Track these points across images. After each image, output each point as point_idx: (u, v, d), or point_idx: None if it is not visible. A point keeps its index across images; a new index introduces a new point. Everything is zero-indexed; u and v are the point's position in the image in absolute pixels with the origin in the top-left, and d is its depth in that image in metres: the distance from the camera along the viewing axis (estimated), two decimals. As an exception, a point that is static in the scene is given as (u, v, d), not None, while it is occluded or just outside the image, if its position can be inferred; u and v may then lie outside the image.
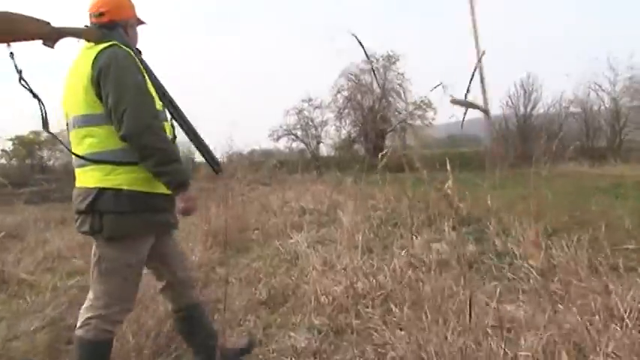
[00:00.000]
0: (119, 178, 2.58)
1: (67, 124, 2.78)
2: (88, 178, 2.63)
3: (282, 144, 36.64)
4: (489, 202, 4.67)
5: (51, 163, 29.07)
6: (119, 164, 2.59)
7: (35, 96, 2.60)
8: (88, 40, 2.72)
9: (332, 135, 35.58)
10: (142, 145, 2.53)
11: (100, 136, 2.60)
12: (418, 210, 6.64)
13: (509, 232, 5.34)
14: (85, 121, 2.63)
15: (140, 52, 2.86)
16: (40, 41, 2.58)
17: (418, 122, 34.08)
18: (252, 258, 6.15)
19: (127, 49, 2.70)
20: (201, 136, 3.02)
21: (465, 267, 4.10)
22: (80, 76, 2.62)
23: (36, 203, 15.60)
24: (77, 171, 2.72)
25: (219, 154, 29.50)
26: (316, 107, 35.65)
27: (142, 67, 2.72)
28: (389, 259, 4.72)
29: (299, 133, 36.05)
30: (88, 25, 2.78)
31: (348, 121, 35.15)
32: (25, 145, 28.22)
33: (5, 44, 2.47)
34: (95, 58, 2.58)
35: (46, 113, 2.66)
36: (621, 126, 31.31)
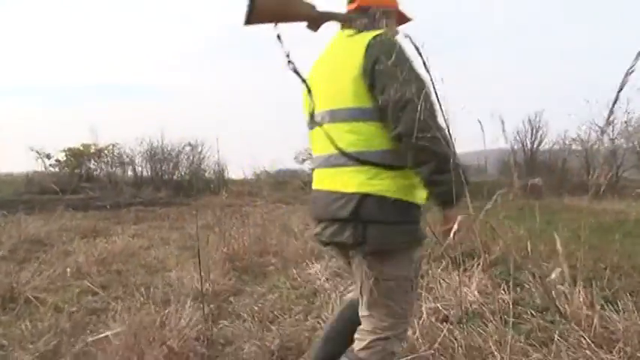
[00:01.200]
0: (384, 184, 2.03)
1: (313, 119, 2.27)
2: (345, 180, 2.09)
3: (307, 166, 36.45)
4: (528, 243, 3.74)
5: (97, 173, 29.06)
6: (384, 168, 2.04)
7: (303, 81, 2.25)
8: (350, 27, 2.24)
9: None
10: (420, 147, 1.94)
11: (366, 133, 2.06)
12: (441, 245, 5.78)
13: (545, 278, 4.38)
14: (350, 115, 2.09)
15: None
16: (305, 24, 2.26)
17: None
18: (268, 287, 5.28)
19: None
20: None
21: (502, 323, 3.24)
22: (347, 66, 2.10)
23: (76, 209, 15.03)
24: (327, 171, 2.20)
25: (247, 171, 29.07)
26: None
27: None
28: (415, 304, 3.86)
29: (322, 156, 35.73)
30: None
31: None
32: (76, 156, 28.27)
33: (273, 24, 2.15)
34: (368, 46, 2.05)
35: (313, 100, 2.25)
36: (618, 165, 31.32)
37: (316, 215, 2.27)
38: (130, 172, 29.64)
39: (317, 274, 5.50)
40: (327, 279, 5.21)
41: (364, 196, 2.01)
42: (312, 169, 2.38)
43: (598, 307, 3.25)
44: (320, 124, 2.20)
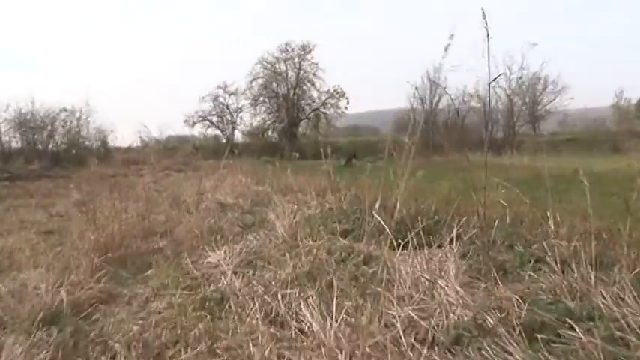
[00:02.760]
0: None
1: None
2: None
3: (197, 130, 34.91)
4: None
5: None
6: None
7: None
8: None
9: (247, 122, 34.06)
10: None
11: None
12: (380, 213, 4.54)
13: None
14: None
15: None
16: None
17: (332, 111, 33.09)
18: (155, 286, 3.79)
19: None
20: None
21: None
22: None
23: None
24: None
25: (134, 140, 27.38)
26: (231, 94, 33.88)
27: None
28: (373, 310, 2.55)
29: (214, 119, 34.28)
30: None
31: (263, 109, 33.55)
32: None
33: None
34: None
35: None
36: (514, 121, 32.72)
37: None
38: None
39: (220, 264, 4.09)
40: (235, 272, 3.78)
41: None
42: None
43: None
44: None
